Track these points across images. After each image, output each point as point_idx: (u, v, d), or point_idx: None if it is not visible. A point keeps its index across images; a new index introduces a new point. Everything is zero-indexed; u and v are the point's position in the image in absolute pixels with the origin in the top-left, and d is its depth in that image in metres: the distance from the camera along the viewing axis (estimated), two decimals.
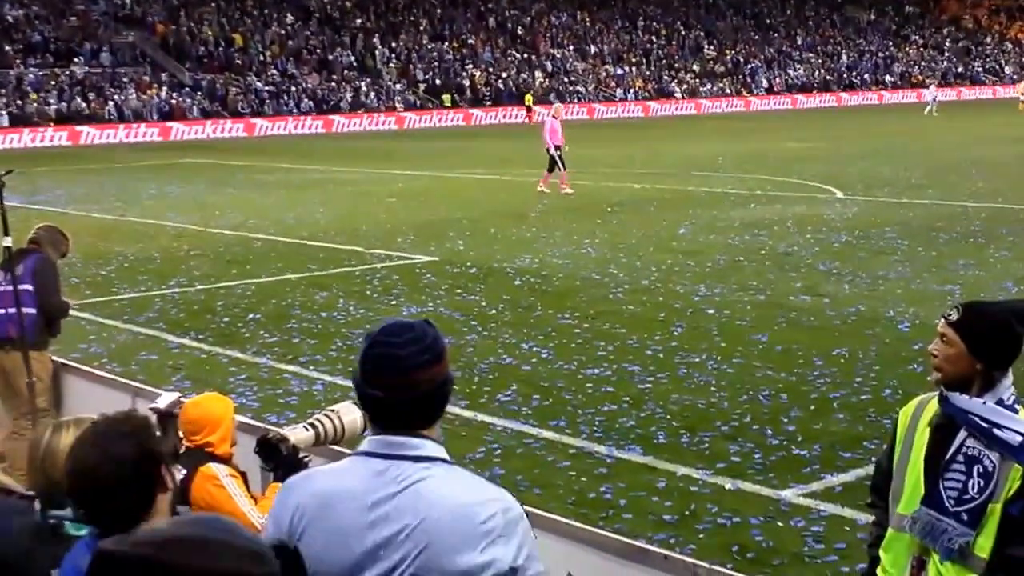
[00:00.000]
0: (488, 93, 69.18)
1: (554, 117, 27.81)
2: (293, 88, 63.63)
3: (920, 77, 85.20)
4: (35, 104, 54.93)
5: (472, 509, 2.51)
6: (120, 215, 23.67)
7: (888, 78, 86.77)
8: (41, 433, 3.39)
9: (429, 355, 2.58)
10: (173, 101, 58.64)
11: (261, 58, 66.30)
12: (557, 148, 26.27)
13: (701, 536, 6.69)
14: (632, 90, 74.51)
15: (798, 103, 77.00)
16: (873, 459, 4.08)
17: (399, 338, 2.58)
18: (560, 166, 26.29)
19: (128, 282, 15.76)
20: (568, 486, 7.54)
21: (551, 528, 4.44)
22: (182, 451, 5.12)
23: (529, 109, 65.12)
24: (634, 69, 77.67)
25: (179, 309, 13.88)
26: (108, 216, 23.60)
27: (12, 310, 7.24)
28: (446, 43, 74.32)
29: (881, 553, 3.67)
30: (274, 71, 65.30)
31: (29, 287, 7.53)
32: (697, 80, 78.20)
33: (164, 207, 25.13)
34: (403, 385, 2.55)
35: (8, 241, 7.00)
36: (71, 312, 8.52)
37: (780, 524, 6.86)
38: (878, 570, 3.67)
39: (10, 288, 7.30)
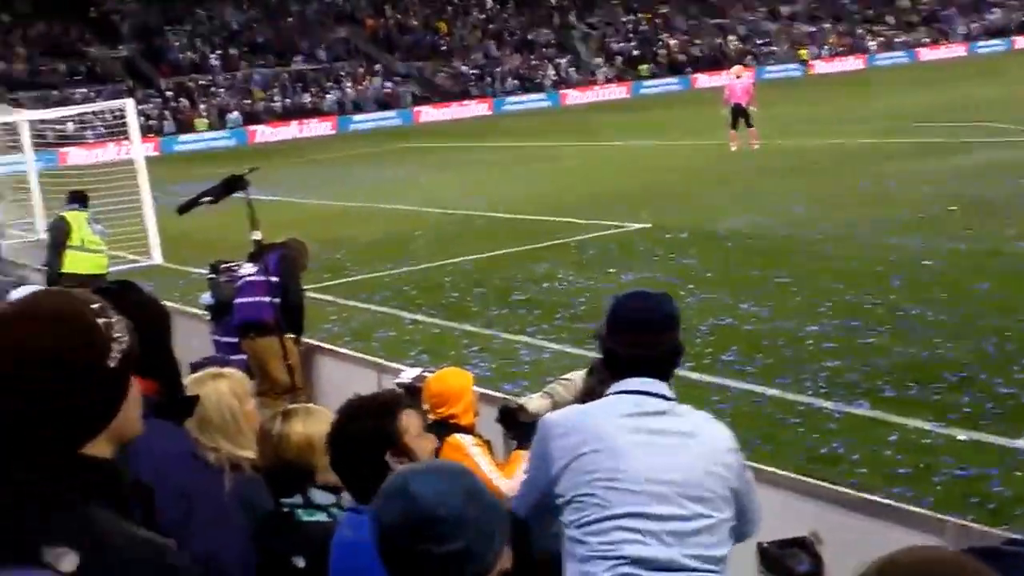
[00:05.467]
0: (684, 60, 68.54)
1: (737, 77, 29.15)
2: (497, 69, 64.67)
3: None
4: (262, 102, 57.82)
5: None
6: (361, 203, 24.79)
7: None
8: (272, 419, 3.67)
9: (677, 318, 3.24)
10: (387, 90, 60.60)
11: (464, 43, 67.67)
12: (737, 106, 27.84)
13: (938, 488, 6.64)
14: (826, 47, 72.42)
15: (997, 48, 72.97)
16: None
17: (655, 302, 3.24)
18: (731, 124, 27.82)
19: (360, 264, 16.55)
20: (798, 443, 7.63)
21: (791, 486, 4.48)
22: (428, 423, 5.49)
23: (806, 63, 66.85)
24: (827, 26, 75.46)
25: (410, 287, 14.53)
26: (336, 203, 24.76)
27: (263, 298, 7.86)
28: (640, 14, 74.02)
29: None
30: (477, 54, 66.55)
31: (275, 278, 8.15)
32: (892, 32, 75.36)
33: (386, 191, 26.16)
34: (657, 342, 3.18)
35: (257, 235, 7.57)
36: (309, 295, 9.14)
37: (1020, 474, 6.75)
38: None
39: (261, 278, 7.92)
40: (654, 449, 3.06)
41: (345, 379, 8.01)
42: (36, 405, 1.73)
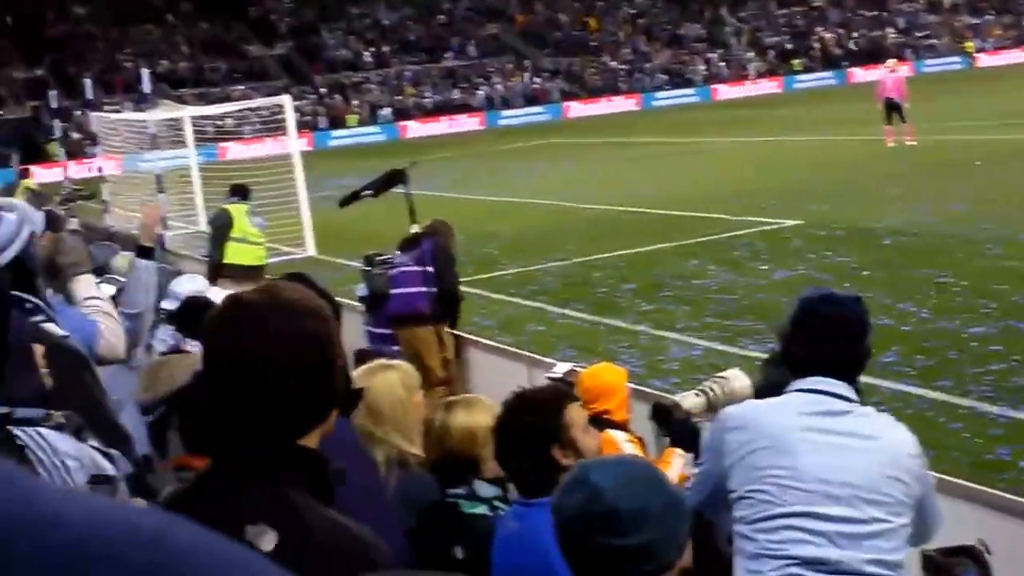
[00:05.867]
0: (840, 54, 66.89)
1: (891, 71, 28.68)
2: (646, 64, 64.34)
3: None
4: (412, 98, 58.74)
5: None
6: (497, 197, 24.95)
7: None
8: (434, 411, 3.73)
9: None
10: (536, 85, 60.88)
11: (614, 38, 67.51)
12: (889, 100, 27.15)
13: None
14: (990, 39, 69.65)
15: None
16: None
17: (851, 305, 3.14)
18: (885, 119, 27.10)
19: (509, 258, 16.67)
20: (962, 448, 7.38)
21: (957, 492, 4.34)
22: None
23: (971, 56, 65.37)
24: (991, 17, 72.56)
25: (558, 281, 14.57)
26: (484, 198, 24.96)
27: (419, 288, 7.96)
28: (794, 7, 72.61)
29: None
30: (627, 50, 66.31)
31: (430, 268, 8.25)
32: None
33: (534, 186, 26.26)
34: (844, 346, 3.09)
35: (416, 228, 7.67)
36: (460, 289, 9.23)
37: None
38: None
39: (417, 268, 8.02)
40: (830, 449, 2.98)
41: (496, 372, 8.08)
42: (281, 393, 1.76)
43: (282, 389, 1.75)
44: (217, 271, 12.07)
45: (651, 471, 2.26)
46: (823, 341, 3.10)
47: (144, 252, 5.23)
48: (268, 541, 1.69)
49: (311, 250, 18.60)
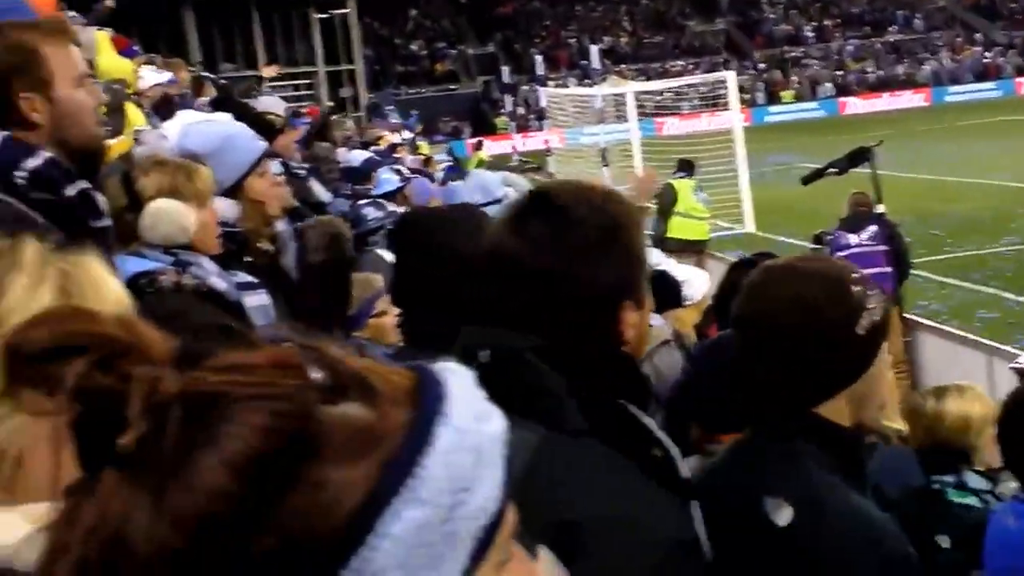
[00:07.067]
0: None
1: None
2: None
3: None
4: (854, 73, 56.99)
5: None
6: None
7: None
8: (923, 397, 3.61)
9: None
10: (987, 60, 57.20)
11: None
12: None
13: None
14: None
15: None
16: None
17: None
18: None
19: (959, 240, 15.92)
20: None
21: None
22: None
23: None
24: None
25: (1014, 266, 13.77)
26: (931, 177, 23.86)
27: (885, 268, 7.81)
28: None
29: None
30: None
31: (886, 247, 8.05)
32: None
33: (983, 166, 24.76)
34: None
35: (881, 208, 7.51)
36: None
37: None
38: None
39: (879, 248, 7.88)
40: None
41: (951, 359, 7.78)
42: (788, 356, 1.81)
43: (814, 350, 1.79)
44: (660, 245, 12.35)
45: None
46: None
47: None
48: (784, 516, 1.73)
49: (750, 226, 18.52)
